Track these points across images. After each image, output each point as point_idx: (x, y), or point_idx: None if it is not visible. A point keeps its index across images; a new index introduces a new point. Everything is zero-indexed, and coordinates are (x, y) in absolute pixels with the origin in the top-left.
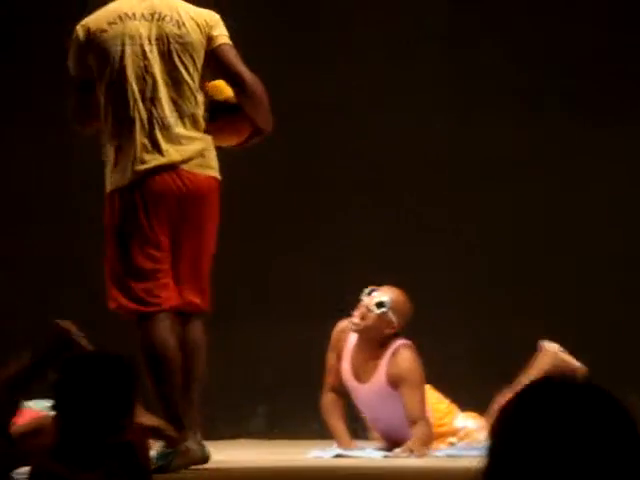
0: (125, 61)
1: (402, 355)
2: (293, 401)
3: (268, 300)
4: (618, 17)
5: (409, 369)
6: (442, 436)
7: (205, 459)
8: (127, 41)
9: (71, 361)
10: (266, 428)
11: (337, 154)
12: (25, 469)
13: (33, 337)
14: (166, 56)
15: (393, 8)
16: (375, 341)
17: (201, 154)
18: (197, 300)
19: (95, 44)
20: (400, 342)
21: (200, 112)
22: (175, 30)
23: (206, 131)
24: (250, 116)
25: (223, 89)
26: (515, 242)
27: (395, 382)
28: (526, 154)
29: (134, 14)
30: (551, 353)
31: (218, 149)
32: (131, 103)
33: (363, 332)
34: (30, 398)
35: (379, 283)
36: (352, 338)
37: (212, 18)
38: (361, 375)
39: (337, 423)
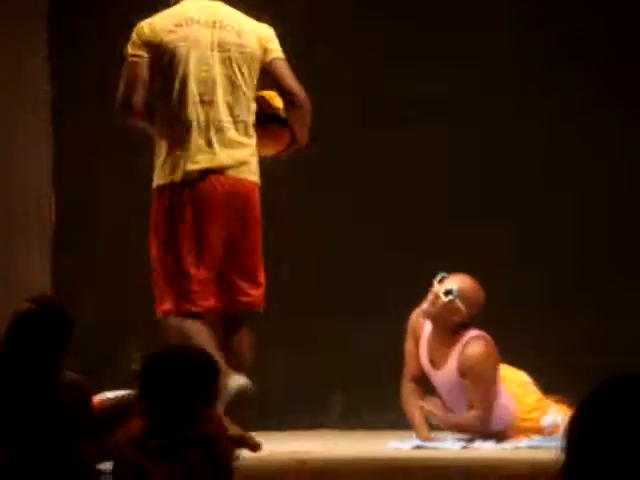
0: (189, 63)
1: (472, 347)
2: (369, 391)
3: (345, 292)
4: None
5: (476, 362)
6: (526, 431)
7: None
8: (192, 44)
9: (154, 354)
10: (342, 419)
11: (411, 156)
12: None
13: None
14: (226, 62)
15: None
16: (447, 329)
17: (248, 160)
18: (251, 299)
19: (161, 43)
20: (472, 334)
21: (252, 120)
22: (236, 39)
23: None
24: (293, 129)
25: (273, 100)
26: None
27: (463, 373)
28: None
29: (198, 20)
30: None
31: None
32: (190, 104)
33: (432, 319)
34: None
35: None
36: (428, 325)
37: (268, 32)
38: (436, 362)
39: (415, 413)
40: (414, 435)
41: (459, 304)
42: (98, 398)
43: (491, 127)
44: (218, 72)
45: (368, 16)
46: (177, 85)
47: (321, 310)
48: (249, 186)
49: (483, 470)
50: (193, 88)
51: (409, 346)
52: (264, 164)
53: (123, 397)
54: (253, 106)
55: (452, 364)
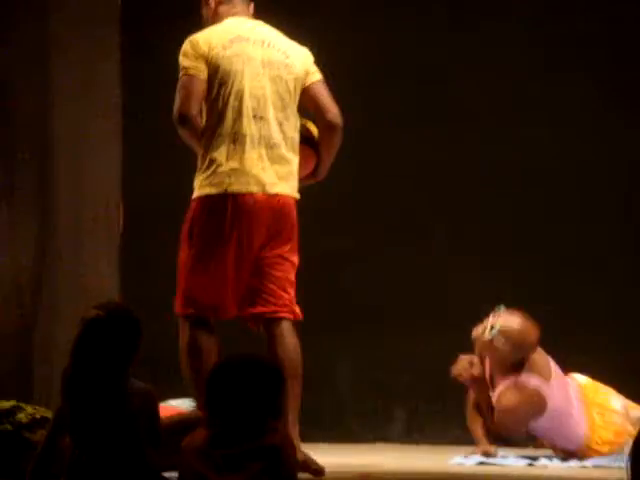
0: (244, 79)
1: (502, 399)
2: (433, 406)
3: (408, 307)
4: None
5: (503, 416)
6: (596, 453)
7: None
8: (246, 60)
9: (221, 363)
10: (405, 433)
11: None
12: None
13: None
14: (276, 80)
15: None
16: (493, 360)
17: (293, 176)
18: (286, 310)
19: (217, 57)
20: (510, 381)
21: (297, 137)
22: (283, 59)
23: None
24: (322, 154)
25: (308, 124)
26: None
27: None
28: None
29: (248, 38)
30: None
31: None
32: (245, 119)
33: (477, 349)
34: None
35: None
36: None
37: (309, 54)
38: (492, 382)
39: (478, 428)
40: (477, 451)
41: (500, 343)
42: (163, 406)
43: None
44: (269, 89)
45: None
46: (232, 99)
47: (386, 325)
48: (289, 202)
49: None
50: (247, 103)
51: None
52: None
53: (191, 412)
54: (298, 124)
55: (498, 391)
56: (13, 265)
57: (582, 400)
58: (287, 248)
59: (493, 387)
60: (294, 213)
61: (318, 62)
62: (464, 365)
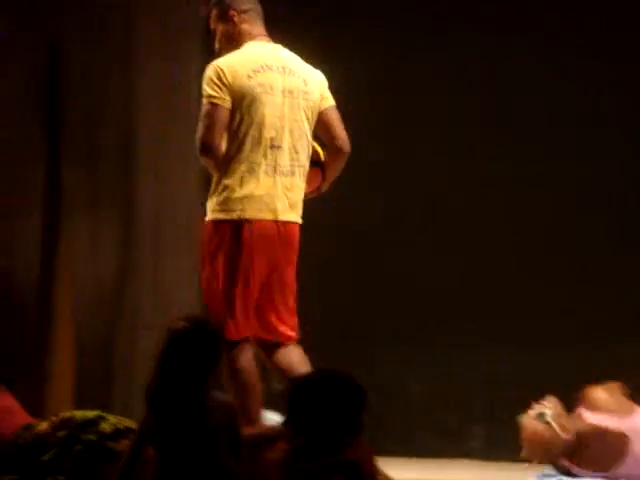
0: (265, 109)
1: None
2: (512, 422)
3: (488, 323)
4: None
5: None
6: None
7: None
8: (269, 91)
9: (302, 378)
10: (487, 449)
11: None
12: None
13: None
14: (294, 109)
15: None
16: None
17: (300, 203)
18: (291, 332)
19: (241, 88)
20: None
21: (308, 164)
22: (302, 86)
23: None
24: (327, 173)
25: (317, 147)
26: None
27: None
28: None
29: (271, 66)
30: None
31: None
32: (262, 149)
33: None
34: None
35: None
36: None
37: (324, 79)
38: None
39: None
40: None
41: (556, 429)
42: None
43: None
44: (287, 118)
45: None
46: (252, 129)
47: (464, 339)
48: (295, 228)
49: None
50: (267, 134)
51: None
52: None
53: (272, 426)
54: (311, 150)
55: None
56: (95, 275)
57: None
58: (291, 273)
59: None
60: (297, 239)
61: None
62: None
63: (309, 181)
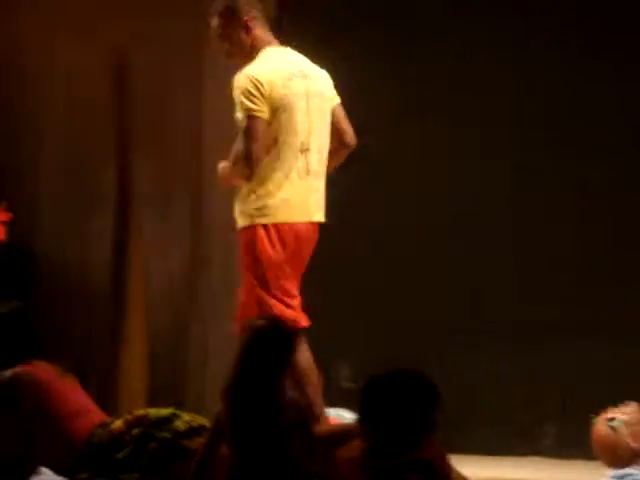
0: (297, 116)
1: None
2: (585, 420)
3: (556, 317)
4: None
5: None
6: None
7: None
8: (298, 98)
9: (376, 376)
10: (558, 447)
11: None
12: None
13: None
14: (317, 111)
15: None
16: None
17: (324, 203)
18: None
19: (277, 99)
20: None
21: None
22: (318, 88)
23: None
24: (329, 163)
25: None
26: None
27: None
28: None
29: (295, 73)
30: None
31: None
32: (295, 154)
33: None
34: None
35: None
36: None
37: (329, 78)
38: None
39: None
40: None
41: (624, 435)
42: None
43: None
44: (313, 121)
45: None
46: (286, 136)
47: (537, 336)
48: (317, 227)
49: None
50: (298, 138)
51: None
52: None
53: (346, 424)
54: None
55: None
56: (166, 269)
57: None
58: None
59: None
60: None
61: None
62: None
63: None
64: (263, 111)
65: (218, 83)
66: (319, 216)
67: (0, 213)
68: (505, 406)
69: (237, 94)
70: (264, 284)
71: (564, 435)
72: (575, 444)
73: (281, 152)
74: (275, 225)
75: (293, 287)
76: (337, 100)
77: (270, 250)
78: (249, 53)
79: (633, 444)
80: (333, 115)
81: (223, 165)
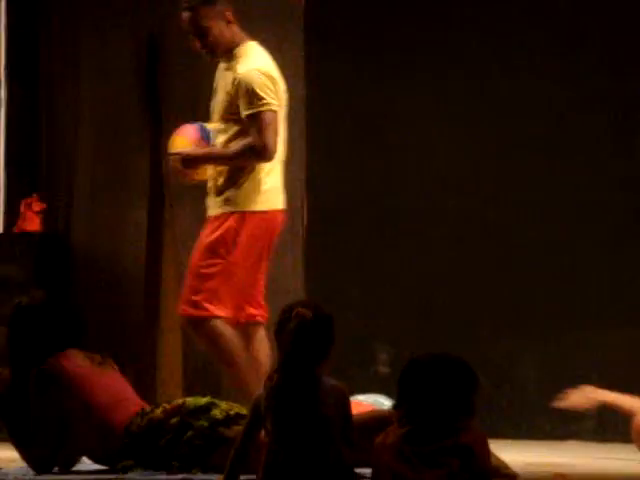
0: (285, 112)
1: None
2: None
3: (597, 299)
4: None
5: None
6: None
7: None
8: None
9: (414, 360)
10: (596, 430)
11: None
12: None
13: None
14: (284, 107)
15: None
16: None
17: None
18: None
19: (281, 93)
20: None
21: None
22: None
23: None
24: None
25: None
26: None
27: None
28: None
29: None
30: None
31: None
32: (284, 146)
33: None
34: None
35: None
36: None
37: None
38: None
39: None
40: None
41: None
42: (356, 402)
43: None
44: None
45: None
46: (282, 129)
47: (573, 318)
48: None
49: None
50: (285, 131)
51: None
52: None
53: (383, 410)
54: None
55: None
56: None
57: None
58: None
59: None
60: None
61: None
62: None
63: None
64: (277, 105)
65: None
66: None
67: (34, 203)
68: (544, 390)
69: (250, 89)
70: (239, 269)
71: (603, 418)
72: (614, 428)
73: (279, 144)
74: (258, 213)
75: (262, 277)
76: None
77: (255, 237)
78: (228, 48)
79: None
80: None
81: (199, 154)
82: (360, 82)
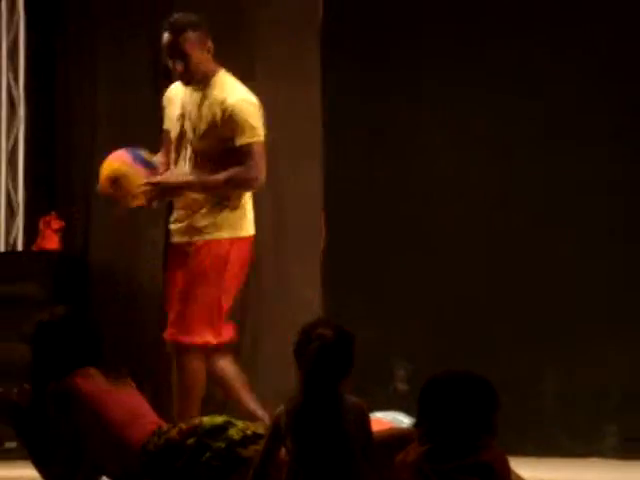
0: None
1: None
2: None
3: (619, 316)
4: None
5: None
6: None
7: None
8: None
9: (436, 378)
10: (619, 448)
11: None
12: None
13: None
14: None
15: None
16: None
17: None
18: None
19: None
20: None
21: None
22: None
23: None
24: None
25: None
26: None
27: None
28: None
29: None
30: None
31: None
32: None
33: None
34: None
35: None
36: None
37: None
38: None
39: None
40: None
41: None
42: (376, 419)
43: None
44: None
45: None
46: None
47: (594, 334)
48: None
49: None
50: None
51: None
52: None
53: (403, 427)
54: None
55: None
56: None
57: None
58: None
59: None
60: None
61: None
62: None
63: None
64: (264, 134)
65: (271, 76)
66: None
67: (53, 221)
68: (565, 407)
69: (245, 119)
70: (228, 294)
71: (626, 435)
72: (637, 444)
73: None
74: (245, 238)
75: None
76: None
77: (243, 262)
78: (202, 77)
79: None
80: None
81: (182, 181)
82: (372, 90)
